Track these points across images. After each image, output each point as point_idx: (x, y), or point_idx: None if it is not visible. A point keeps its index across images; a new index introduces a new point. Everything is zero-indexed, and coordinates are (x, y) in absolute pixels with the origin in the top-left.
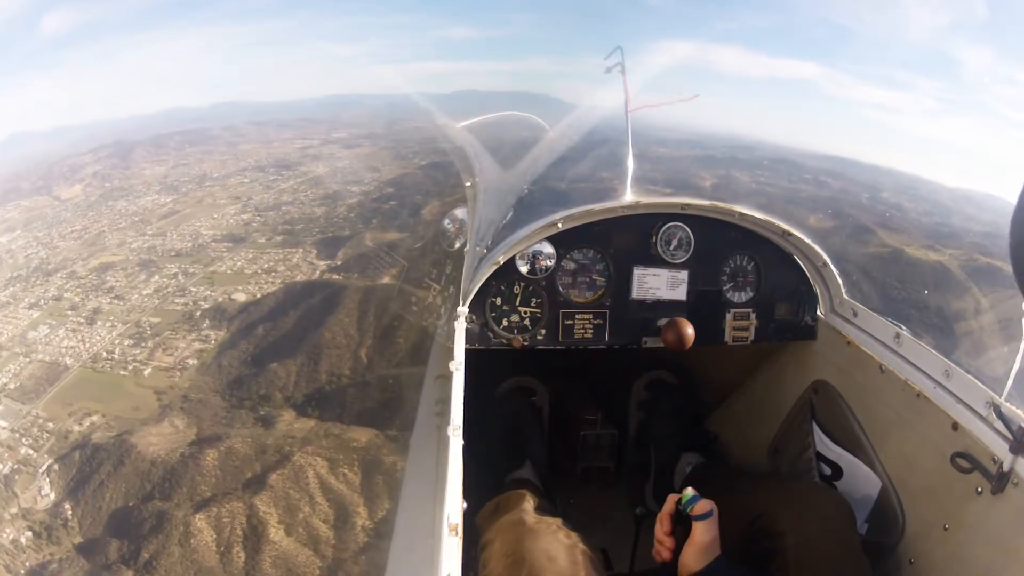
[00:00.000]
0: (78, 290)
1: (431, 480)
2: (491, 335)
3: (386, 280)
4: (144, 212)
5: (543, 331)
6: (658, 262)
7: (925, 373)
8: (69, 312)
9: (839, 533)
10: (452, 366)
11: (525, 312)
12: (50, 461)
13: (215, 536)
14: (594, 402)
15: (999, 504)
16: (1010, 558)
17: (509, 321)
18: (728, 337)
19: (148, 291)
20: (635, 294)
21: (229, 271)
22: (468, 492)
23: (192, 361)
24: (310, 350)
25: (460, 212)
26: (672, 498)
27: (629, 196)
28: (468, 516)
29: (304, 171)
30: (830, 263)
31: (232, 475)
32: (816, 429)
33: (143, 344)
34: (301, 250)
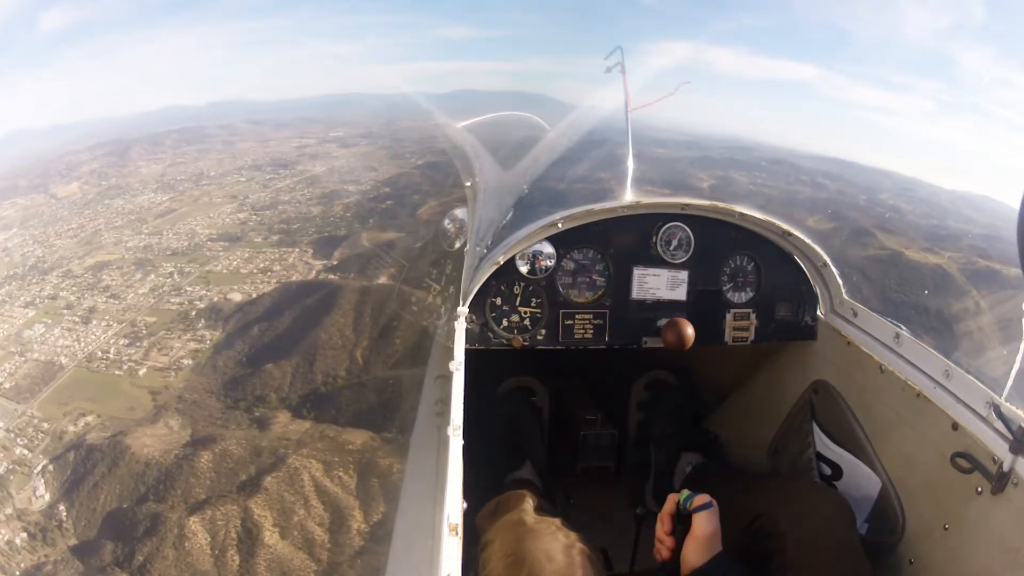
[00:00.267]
0: (74, 289)
1: (431, 480)
2: (491, 335)
3: (382, 280)
4: (140, 211)
5: (543, 331)
6: (658, 262)
7: (925, 373)
8: (65, 311)
9: (839, 533)
10: (452, 366)
11: (525, 312)
12: (45, 462)
13: (209, 539)
14: (594, 402)
15: (999, 504)
16: (1010, 558)
17: (509, 321)
18: (728, 337)
19: (144, 290)
20: (635, 294)
21: (225, 270)
22: (468, 492)
23: (187, 361)
24: (305, 351)
25: (460, 212)
26: (672, 498)
27: (629, 196)
28: (468, 516)
29: (301, 170)
30: (830, 263)
31: (227, 477)
32: (816, 429)
33: (138, 344)
34: (297, 250)
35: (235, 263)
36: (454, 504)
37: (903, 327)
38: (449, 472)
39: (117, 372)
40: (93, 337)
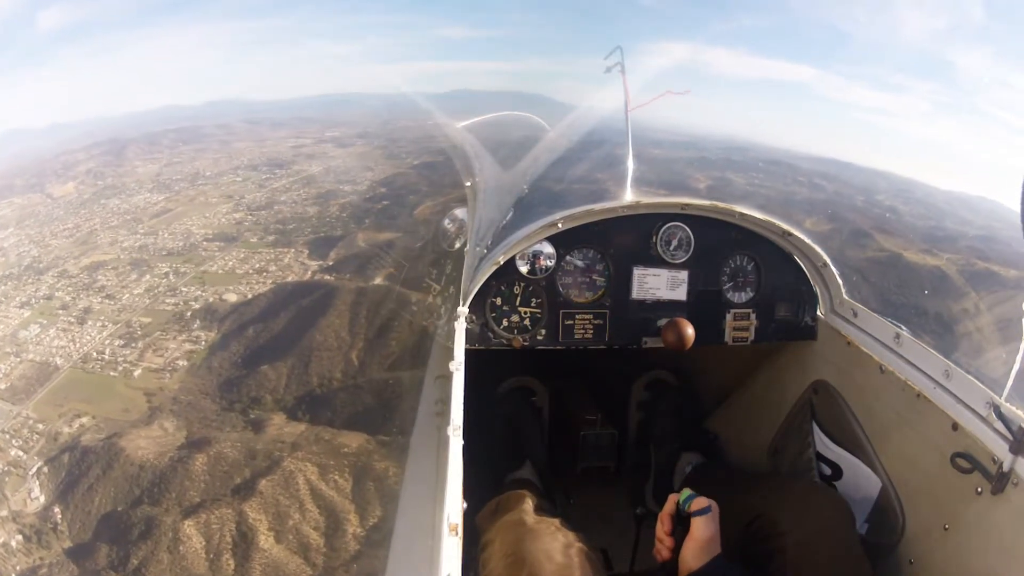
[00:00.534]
0: (69, 289)
1: (431, 480)
2: (491, 335)
3: (378, 281)
4: (136, 210)
5: (543, 331)
6: (658, 262)
7: (925, 373)
8: (60, 311)
9: (838, 533)
10: (452, 366)
11: (525, 312)
12: (40, 463)
13: (204, 543)
14: (594, 402)
15: (999, 504)
16: (1010, 558)
17: (509, 321)
18: (728, 337)
19: (139, 291)
20: (635, 294)
21: (220, 271)
22: (468, 492)
23: (182, 362)
24: (301, 352)
25: (460, 212)
26: (673, 498)
27: (629, 196)
28: (468, 516)
29: (297, 170)
30: (830, 263)
31: (221, 480)
32: (816, 429)
33: (133, 345)
34: (293, 250)
35: (231, 263)
36: (454, 504)
37: (903, 327)
38: (449, 472)
39: (112, 373)
40: (88, 338)
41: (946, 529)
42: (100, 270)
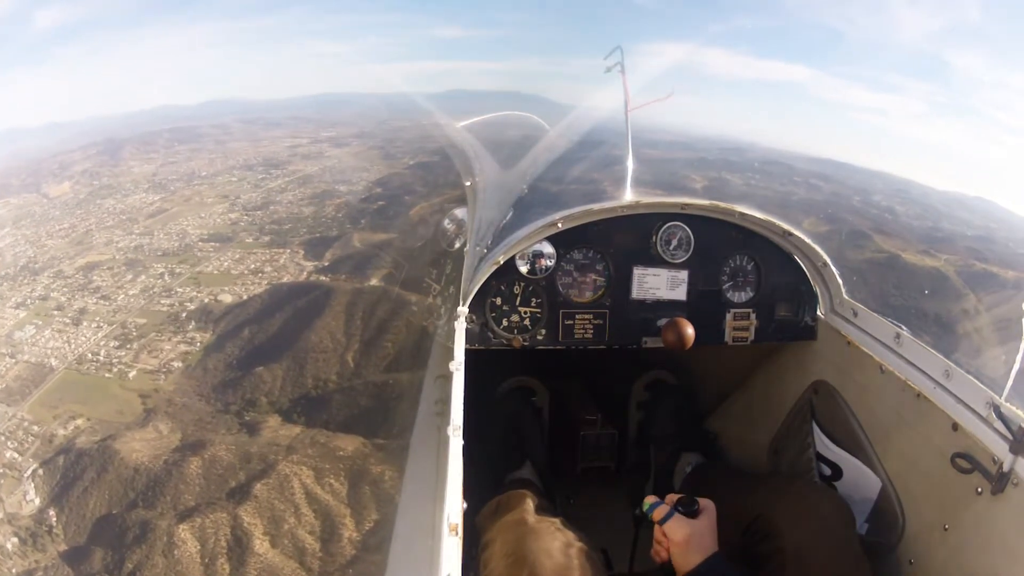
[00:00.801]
0: (64, 290)
1: (431, 480)
2: (491, 335)
3: (374, 282)
4: (132, 210)
5: (543, 331)
6: (658, 262)
7: (925, 373)
8: (55, 312)
9: (838, 534)
10: (452, 366)
11: (525, 312)
12: (35, 465)
13: (199, 547)
14: (594, 402)
15: (999, 504)
16: (1010, 558)
17: (509, 321)
18: (728, 337)
19: (134, 291)
20: (635, 294)
21: (215, 271)
22: (468, 492)
23: (177, 364)
24: (296, 354)
25: (460, 212)
26: (671, 498)
27: (629, 196)
28: (468, 516)
29: (293, 170)
30: (830, 263)
31: (216, 484)
32: (816, 429)
33: (128, 346)
34: (288, 250)
35: (226, 264)
36: (454, 504)
37: (903, 327)
38: (449, 472)
39: (107, 375)
40: (83, 339)
41: (946, 529)
42: (95, 270)
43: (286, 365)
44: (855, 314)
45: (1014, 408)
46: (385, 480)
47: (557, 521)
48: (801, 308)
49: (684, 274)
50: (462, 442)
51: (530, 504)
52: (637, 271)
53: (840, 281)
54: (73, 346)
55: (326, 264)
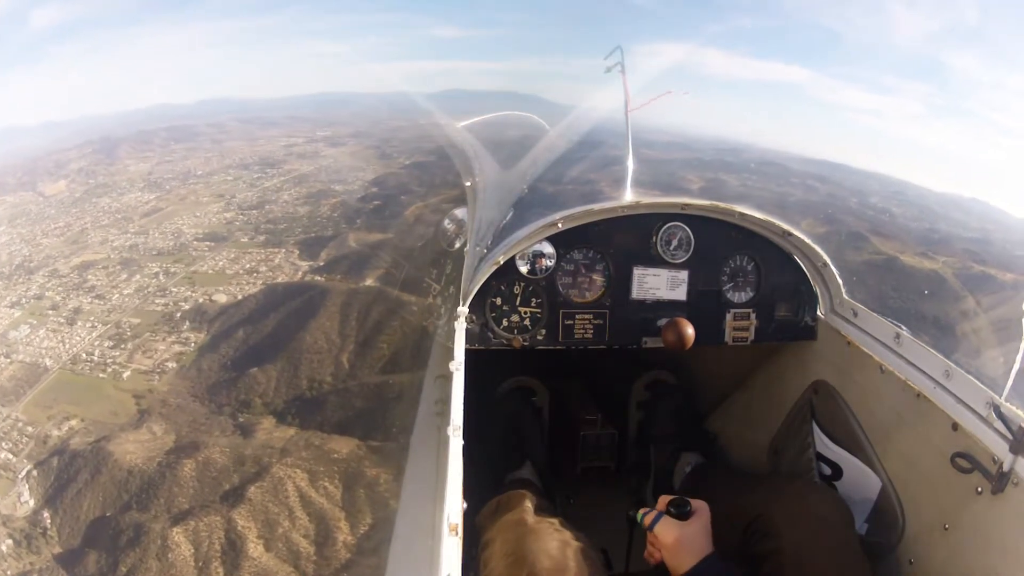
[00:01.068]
0: (59, 289)
1: (431, 480)
2: (491, 335)
3: (369, 282)
4: (127, 209)
5: (543, 331)
6: (658, 262)
7: (925, 373)
8: (50, 312)
9: (837, 533)
10: (452, 366)
11: (525, 312)
12: (29, 467)
13: (193, 551)
14: (594, 402)
15: (999, 504)
16: (1010, 558)
17: (509, 321)
18: (728, 337)
19: (129, 291)
20: (635, 294)
21: (210, 271)
22: (468, 492)
23: (171, 364)
24: (290, 355)
25: (460, 212)
26: (664, 499)
27: (629, 196)
28: (468, 516)
29: (288, 169)
30: (830, 263)
31: (210, 487)
32: (816, 429)
33: (123, 346)
34: (283, 250)
35: (221, 263)
36: (454, 504)
37: (903, 327)
38: (449, 472)
39: (101, 375)
40: (78, 339)
41: (946, 529)
42: (90, 269)
43: (280, 366)
44: (855, 314)
45: (1014, 408)
46: (380, 482)
47: (557, 521)
48: (801, 308)
49: (684, 274)
50: (462, 442)
51: (530, 504)
52: (637, 271)
53: (840, 281)
54: (67, 346)
55: (321, 264)
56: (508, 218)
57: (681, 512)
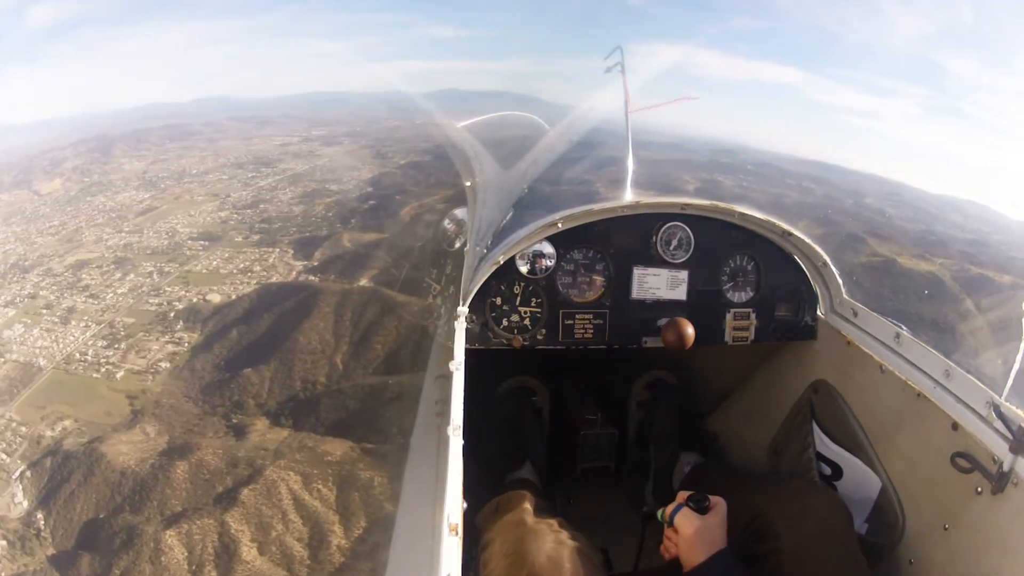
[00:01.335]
0: (53, 288)
1: (431, 480)
2: (491, 335)
3: (364, 283)
4: (121, 208)
5: (543, 331)
6: (658, 262)
7: (925, 373)
8: (44, 311)
9: (836, 534)
10: (452, 366)
11: (525, 312)
12: (23, 467)
13: (186, 554)
14: (594, 402)
15: (999, 504)
16: (1010, 558)
17: (509, 321)
18: (728, 337)
19: (123, 290)
20: (635, 294)
21: (204, 271)
22: (468, 492)
23: (165, 364)
24: (284, 355)
25: (460, 212)
26: (683, 495)
27: (629, 196)
28: (468, 516)
29: (283, 168)
30: (830, 263)
31: (203, 489)
32: (816, 429)
33: (116, 346)
34: (278, 250)
35: (215, 263)
36: (454, 504)
37: (903, 327)
38: (449, 472)
39: (95, 375)
40: (72, 338)
41: (946, 529)
42: (84, 269)
43: (274, 367)
44: (855, 314)
45: (1014, 408)
46: (375, 484)
47: (556, 521)
48: (801, 308)
49: (684, 274)
50: (462, 442)
51: (530, 504)
52: (637, 271)
53: (840, 281)
54: (61, 345)
55: (315, 264)
56: (508, 218)
57: (700, 506)
